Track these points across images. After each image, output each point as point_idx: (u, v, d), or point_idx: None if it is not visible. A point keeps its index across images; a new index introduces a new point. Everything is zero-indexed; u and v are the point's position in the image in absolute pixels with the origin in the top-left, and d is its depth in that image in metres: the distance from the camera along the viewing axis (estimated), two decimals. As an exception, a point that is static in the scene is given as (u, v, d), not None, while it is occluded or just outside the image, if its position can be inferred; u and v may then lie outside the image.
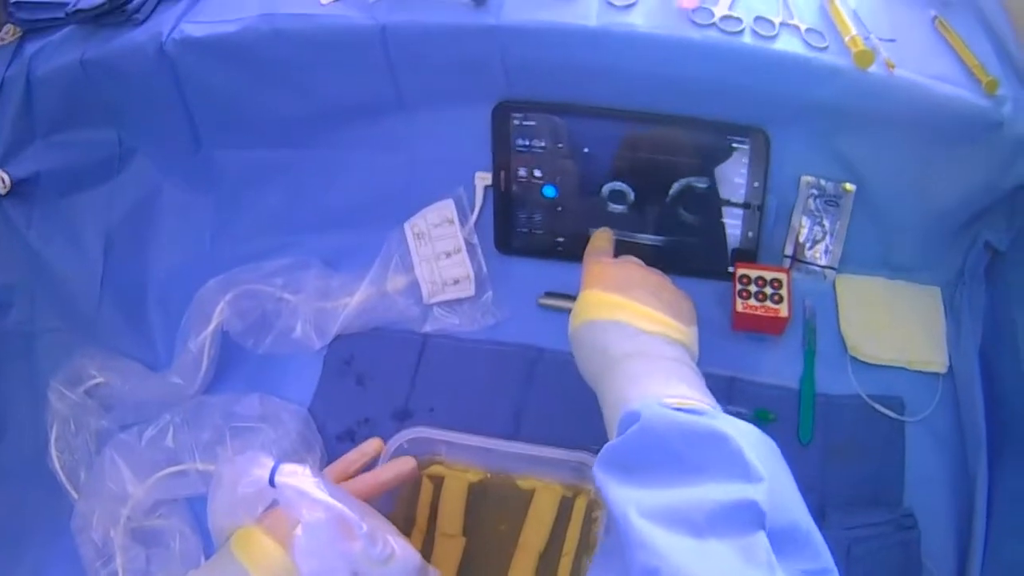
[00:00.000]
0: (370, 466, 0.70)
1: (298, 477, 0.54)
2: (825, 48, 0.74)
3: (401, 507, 0.71)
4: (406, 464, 0.66)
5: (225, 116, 0.84)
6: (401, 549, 0.56)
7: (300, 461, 0.73)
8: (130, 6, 0.79)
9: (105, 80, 0.81)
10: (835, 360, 0.78)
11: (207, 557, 0.70)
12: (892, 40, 0.75)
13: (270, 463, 0.54)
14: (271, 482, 0.53)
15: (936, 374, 0.77)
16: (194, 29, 0.78)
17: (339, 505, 0.53)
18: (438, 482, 0.72)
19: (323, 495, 0.53)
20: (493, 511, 0.70)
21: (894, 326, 0.79)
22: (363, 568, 0.55)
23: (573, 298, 0.81)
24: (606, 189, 0.83)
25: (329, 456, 0.75)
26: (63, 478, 0.75)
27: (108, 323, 0.84)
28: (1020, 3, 0.79)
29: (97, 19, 0.80)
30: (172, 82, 0.80)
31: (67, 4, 0.80)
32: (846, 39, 0.74)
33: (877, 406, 0.75)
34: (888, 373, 0.77)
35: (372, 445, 0.69)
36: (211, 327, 0.78)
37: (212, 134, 0.86)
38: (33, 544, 0.74)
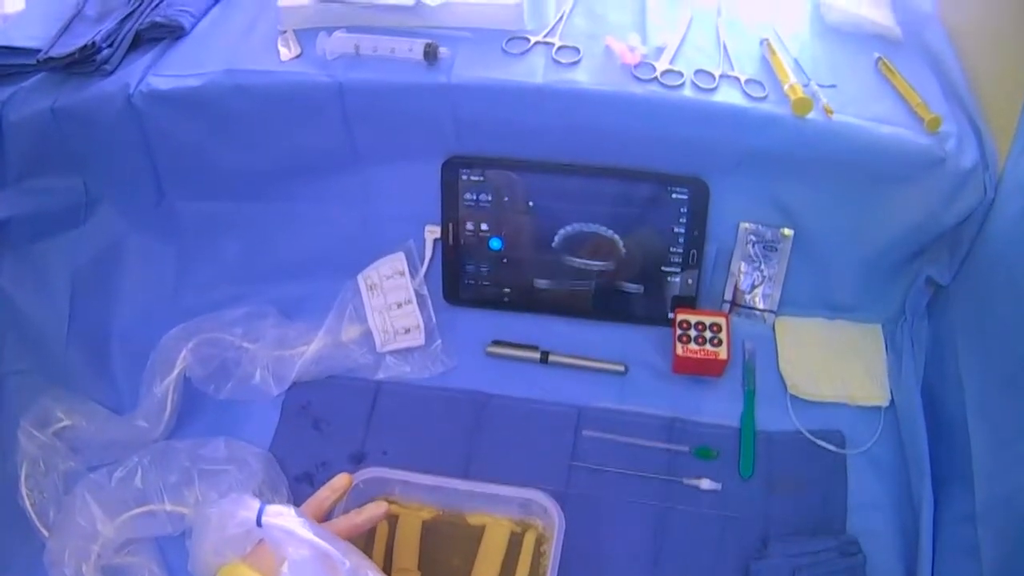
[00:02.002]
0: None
1: (284, 517, 0.57)
2: (764, 98, 0.76)
3: (359, 544, 0.73)
4: (379, 508, 0.68)
5: (187, 168, 0.87)
6: None
7: (268, 502, 0.76)
8: (99, 56, 0.81)
9: (74, 128, 0.83)
10: (775, 399, 0.81)
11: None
12: (833, 86, 0.78)
13: (256, 504, 0.57)
14: (258, 522, 0.56)
15: (877, 407, 0.79)
16: (160, 82, 0.80)
17: (323, 543, 0.56)
18: (393, 520, 0.74)
19: (309, 534, 0.56)
20: (446, 547, 0.73)
21: (833, 364, 0.82)
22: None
23: (520, 346, 0.85)
24: (551, 241, 0.86)
25: (292, 497, 0.77)
26: (33, 516, 0.76)
27: (74, 366, 0.86)
28: (968, 39, 0.81)
29: (67, 68, 0.82)
30: (138, 133, 0.83)
31: (38, 52, 0.82)
32: (785, 88, 0.76)
33: (818, 441, 0.77)
34: (828, 409, 0.80)
35: (342, 481, 0.70)
36: (174, 373, 0.80)
37: (174, 185, 0.88)
38: (7, 576, 0.76)
